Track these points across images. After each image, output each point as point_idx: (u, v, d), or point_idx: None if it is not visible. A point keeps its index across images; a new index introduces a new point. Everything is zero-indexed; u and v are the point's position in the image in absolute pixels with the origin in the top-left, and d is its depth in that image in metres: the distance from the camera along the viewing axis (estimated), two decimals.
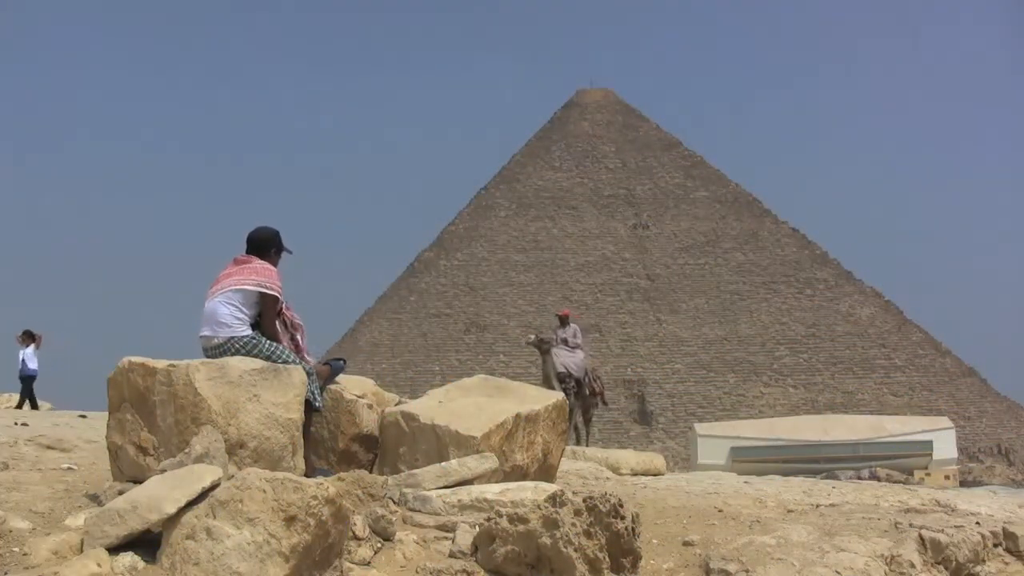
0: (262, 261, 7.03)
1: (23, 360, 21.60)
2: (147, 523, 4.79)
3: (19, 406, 20.93)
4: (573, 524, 5.23)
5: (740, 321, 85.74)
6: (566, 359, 18.29)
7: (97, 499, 5.96)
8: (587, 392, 18.65)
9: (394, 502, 6.10)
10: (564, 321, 19.33)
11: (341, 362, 7.39)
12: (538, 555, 5.25)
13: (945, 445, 53.91)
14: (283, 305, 7.07)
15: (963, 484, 46.53)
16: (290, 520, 4.67)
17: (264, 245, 7.13)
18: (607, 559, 5.28)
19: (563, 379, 17.88)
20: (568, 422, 17.32)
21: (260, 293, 6.85)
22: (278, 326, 6.98)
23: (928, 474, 48.45)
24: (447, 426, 6.83)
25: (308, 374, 6.71)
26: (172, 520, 4.77)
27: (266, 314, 6.89)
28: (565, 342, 18.62)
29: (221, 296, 6.85)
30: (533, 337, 19.29)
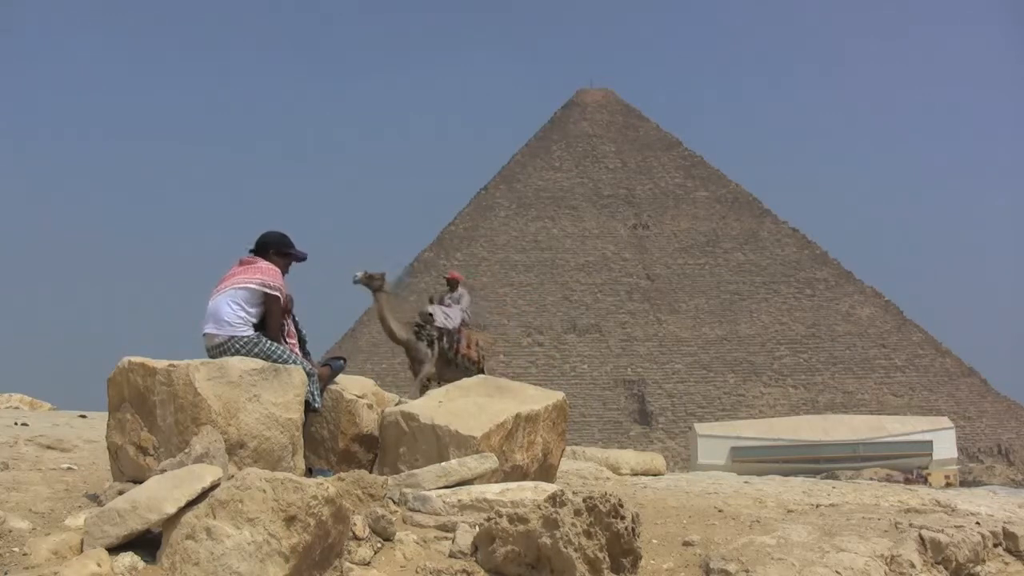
0: (267, 262, 7.04)
1: None
2: (147, 523, 4.79)
3: None
4: (573, 524, 5.23)
5: (740, 321, 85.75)
6: (438, 309, 15.80)
7: (97, 499, 5.96)
8: (452, 352, 15.82)
9: (394, 502, 6.10)
10: (453, 286, 16.91)
11: (341, 361, 7.39)
12: (538, 555, 5.24)
13: (945, 445, 53.95)
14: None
15: (963, 484, 46.56)
16: (290, 520, 4.67)
17: (262, 247, 7.16)
18: (607, 559, 5.28)
19: (423, 324, 15.44)
20: (431, 381, 14.68)
21: (264, 293, 6.86)
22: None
23: (928, 474, 48.48)
24: (447, 426, 6.83)
25: (308, 375, 6.71)
26: (172, 520, 4.77)
27: (270, 314, 6.90)
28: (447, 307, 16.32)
29: (225, 294, 6.86)
30: (360, 274, 15.34)
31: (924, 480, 44.87)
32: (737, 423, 62.29)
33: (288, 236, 7.30)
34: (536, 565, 5.27)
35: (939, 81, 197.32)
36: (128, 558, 4.72)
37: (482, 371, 15.81)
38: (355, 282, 15.18)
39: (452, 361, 15.70)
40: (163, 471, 5.39)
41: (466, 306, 16.57)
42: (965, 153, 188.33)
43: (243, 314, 6.80)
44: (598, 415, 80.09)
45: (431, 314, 15.47)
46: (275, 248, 7.19)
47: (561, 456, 7.86)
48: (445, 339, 15.50)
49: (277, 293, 6.91)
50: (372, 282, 15.09)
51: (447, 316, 15.71)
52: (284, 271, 7.15)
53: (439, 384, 14.61)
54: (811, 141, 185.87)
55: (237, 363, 6.37)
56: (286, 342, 7.04)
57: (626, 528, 5.37)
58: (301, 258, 7.32)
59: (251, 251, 7.16)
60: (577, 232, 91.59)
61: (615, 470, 9.72)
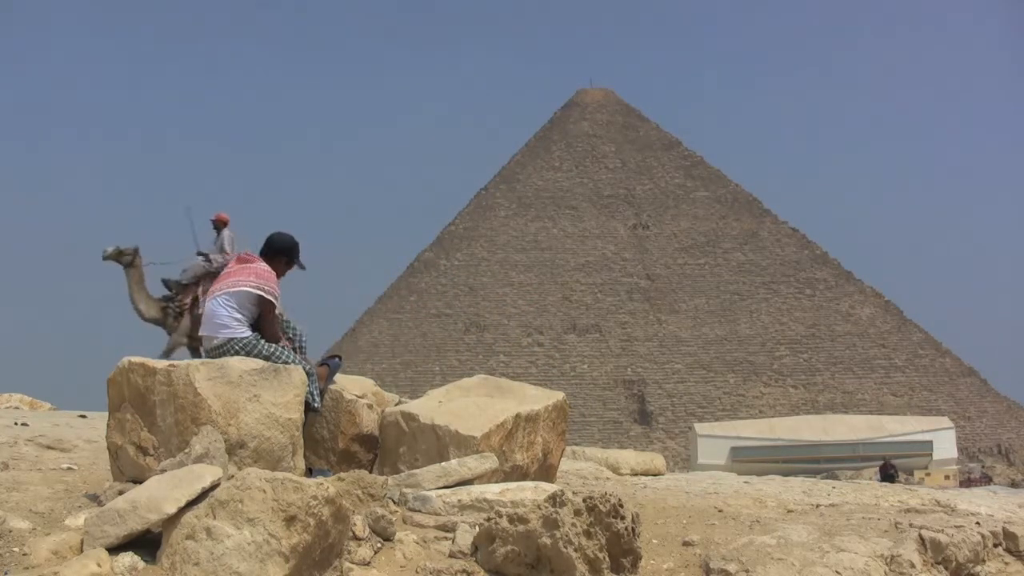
0: (265, 264, 7.03)
1: None
2: (147, 523, 4.79)
3: None
4: (573, 524, 5.23)
5: (740, 321, 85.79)
6: (185, 270, 14.70)
7: (97, 499, 5.96)
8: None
9: (394, 502, 6.10)
10: (219, 228, 15.33)
11: (337, 359, 7.38)
12: (538, 555, 5.24)
13: (945, 445, 54.04)
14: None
15: (963, 484, 46.58)
16: (290, 520, 4.67)
17: (277, 251, 7.16)
18: (607, 559, 5.28)
19: (172, 296, 14.50)
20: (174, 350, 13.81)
21: (258, 296, 6.86)
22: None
23: (928, 474, 48.55)
24: (447, 426, 6.82)
25: (308, 375, 6.71)
26: (172, 520, 4.77)
27: (265, 317, 6.90)
28: (207, 256, 14.94)
29: (219, 297, 6.86)
30: (110, 249, 14.68)
31: (989, 480, 45.07)
32: (737, 423, 62.38)
33: (298, 243, 7.34)
34: (536, 565, 5.27)
35: (939, 81, 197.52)
36: (128, 558, 4.72)
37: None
38: (104, 258, 14.59)
39: None
40: (163, 471, 5.39)
41: (228, 248, 15.09)
42: (965, 153, 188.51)
43: (239, 315, 6.80)
44: (598, 415, 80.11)
45: (177, 280, 14.66)
46: (288, 256, 7.21)
47: (561, 456, 7.85)
48: (200, 306, 14.11)
49: (271, 297, 6.90)
50: (122, 257, 14.53)
51: (183, 270, 14.69)
52: (281, 275, 7.17)
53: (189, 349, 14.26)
54: (811, 141, 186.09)
55: (237, 363, 6.37)
56: (290, 340, 7.07)
57: (626, 528, 5.37)
58: (302, 267, 7.36)
59: (263, 252, 7.16)
60: (577, 232, 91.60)
61: (615, 470, 9.72)
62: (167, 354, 14.02)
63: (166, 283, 14.76)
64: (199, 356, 13.58)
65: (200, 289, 14.50)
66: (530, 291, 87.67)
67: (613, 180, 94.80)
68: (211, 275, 14.43)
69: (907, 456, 51.24)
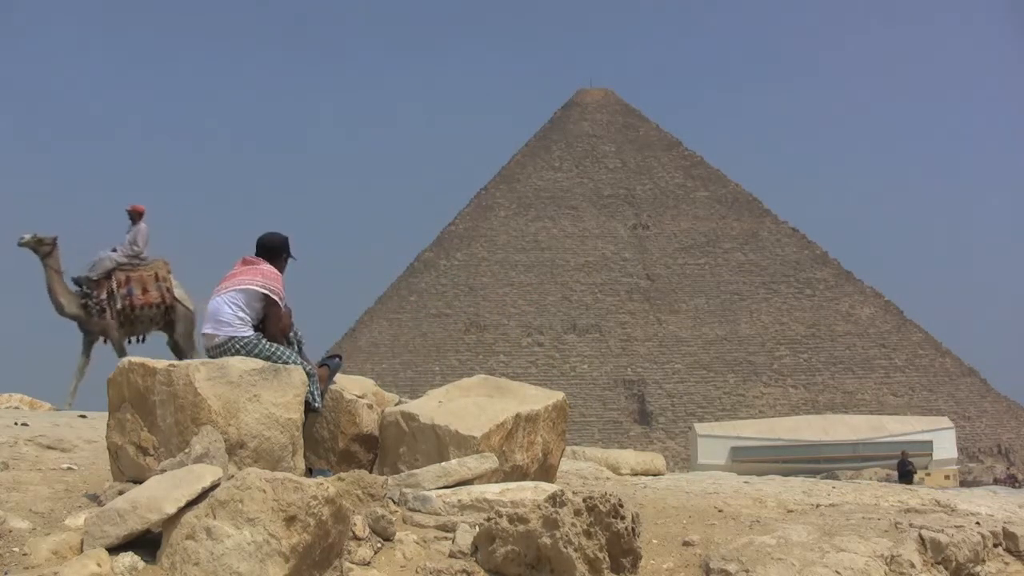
0: (270, 265, 7.06)
1: None
2: (147, 523, 4.79)
3: None
4: (573, 524, 5.23)
5: (740, 321, 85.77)
6: (93, 267, 14.26)
7: (97, 499, 5.96)
8: (128, 308, 14.29)
9: (394, 502, 6.10)
10: (134, 219, 14.84)
11: (337, 359, 7.38)
12: (538, 555, 5.25)
13: (945, 445, 54.04)
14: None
15: (963, 484, 46.63)
16: (290, 520, 4.67)
17: (275, 251, 7.17)
18: (607, 559, 5.29)
19: (89, 292, 14.12)
20: (116, 353, 13.91)
21: (264, 295, 6.88)
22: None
23: (928, 474, 48.55)
24: (447, 426, 6.83)
25: (308, 375, 6.71)
26: (172, 520, 4.77)
27: (270, 317, 6.92)
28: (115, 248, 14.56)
29: (225, 295, 6.88)
30: (28, 236, 14.04)
31: (1014, 481, 45.16)
32: (737, 423, 62.38)
33: (287, 238, 7.35)
34: (536, 565, 5.27)
35: (939, 81, 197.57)
36: (128, 558, 4.73)
37: (171, 308, 14.54)
38: (20, 244, 14.07)
39: (135, 318, 14.43)
40: (163, 471, 5.39)
41: (139, 242, 14.64)
42: (965, 153, 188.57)
43: (242, 315, 6.82)
44: (598, 415, 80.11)
45: (87, 277, 14.24)
46: (287, 253, 7.24)
47: (561, 456, 7.85)
48: (117, 301, 14.19)
49: (277, 297, 6.93)
50: (41, 247, 13.98)
51: (92, 265, 14.31)
52: (282, 270, 7.20)
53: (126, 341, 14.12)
54: (811, 141, 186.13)
55: (237, 363, 6.38)
56: (289, 344, 7.07)
57: (626, 528, 5.37)
58: (294, 259, 7.40)
59: (258, 253, 7.16)
60: (577, 232, 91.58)
61: (615, 470, 9.72)
62: (121, 353, 13.88)
63: (76, 280, 14.41)
64: (125, 353, 13.66)
65: (113, 283, 14.26)
66: (530, 291, 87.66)
67: (613, 180, 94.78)
68: (121, 268, 14.38)
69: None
